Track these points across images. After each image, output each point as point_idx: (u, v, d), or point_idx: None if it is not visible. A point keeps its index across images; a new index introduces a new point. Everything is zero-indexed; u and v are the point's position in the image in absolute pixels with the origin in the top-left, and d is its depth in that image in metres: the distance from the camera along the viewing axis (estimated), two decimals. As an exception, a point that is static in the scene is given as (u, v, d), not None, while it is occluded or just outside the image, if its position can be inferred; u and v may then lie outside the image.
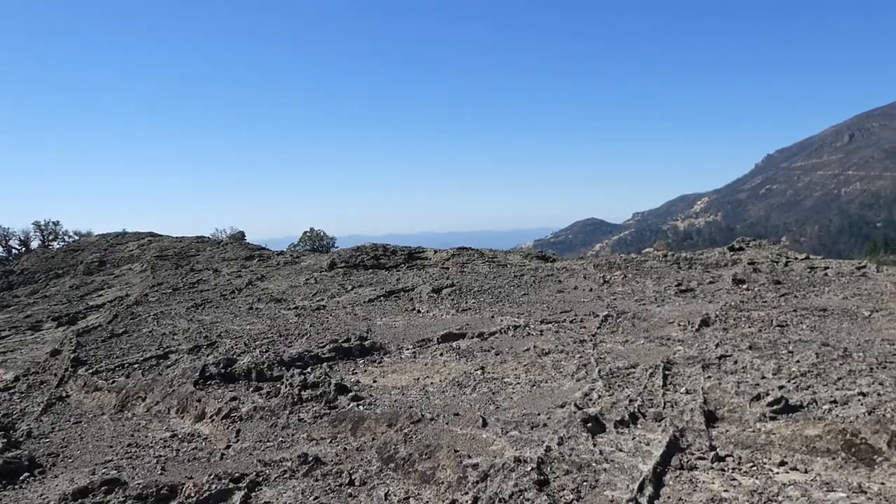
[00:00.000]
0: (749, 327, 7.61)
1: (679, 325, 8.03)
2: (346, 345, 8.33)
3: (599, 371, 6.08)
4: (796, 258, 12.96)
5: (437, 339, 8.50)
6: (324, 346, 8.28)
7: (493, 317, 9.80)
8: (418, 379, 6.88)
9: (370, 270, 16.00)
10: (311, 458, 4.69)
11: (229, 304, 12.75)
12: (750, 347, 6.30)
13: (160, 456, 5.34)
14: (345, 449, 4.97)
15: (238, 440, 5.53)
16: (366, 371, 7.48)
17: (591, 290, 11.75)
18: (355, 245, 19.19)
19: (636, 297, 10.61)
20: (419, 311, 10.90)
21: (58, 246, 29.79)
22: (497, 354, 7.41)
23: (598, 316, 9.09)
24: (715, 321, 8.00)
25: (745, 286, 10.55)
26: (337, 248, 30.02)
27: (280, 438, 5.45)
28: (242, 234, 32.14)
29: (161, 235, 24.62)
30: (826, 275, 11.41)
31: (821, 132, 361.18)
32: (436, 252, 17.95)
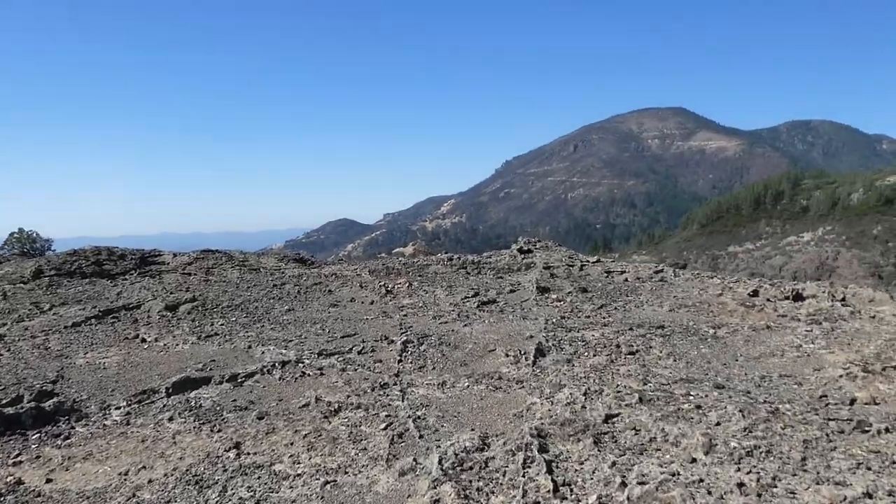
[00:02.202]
0: (594, 356, 5.87)
1: (506, 354, 6.08)
2: (9, 409, 5.24)
3: (437, 457, 3.78)
4: (588, 261, 11.83)
5: (167, 388, 5.72)
6: (-29, 414, 5.14)
7: (250, 346, 7.16)
8: (128, 473, 4.12)
9: (88, 280, 12.33)
10: None
11: None
12: (640, 400, 4.41)
13: None
14: None
15: None
16: (38, 458, 4.52)
17: (372, 302, 9.52)
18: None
19: (431, 311, 8.57)
20: (144, 341, 7.89)
21: None
22: (261, 418, 4.84)
23: (393, 342, 6.89)
24: (549, 348, 6.15)
25: (553, 296, 8.97)
26: (55, 251, 25.00)
27: None
28: None
29: None
30: (626, 280, 10.30)
31: (551, 142, 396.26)
32: (175, 255, 14.57)
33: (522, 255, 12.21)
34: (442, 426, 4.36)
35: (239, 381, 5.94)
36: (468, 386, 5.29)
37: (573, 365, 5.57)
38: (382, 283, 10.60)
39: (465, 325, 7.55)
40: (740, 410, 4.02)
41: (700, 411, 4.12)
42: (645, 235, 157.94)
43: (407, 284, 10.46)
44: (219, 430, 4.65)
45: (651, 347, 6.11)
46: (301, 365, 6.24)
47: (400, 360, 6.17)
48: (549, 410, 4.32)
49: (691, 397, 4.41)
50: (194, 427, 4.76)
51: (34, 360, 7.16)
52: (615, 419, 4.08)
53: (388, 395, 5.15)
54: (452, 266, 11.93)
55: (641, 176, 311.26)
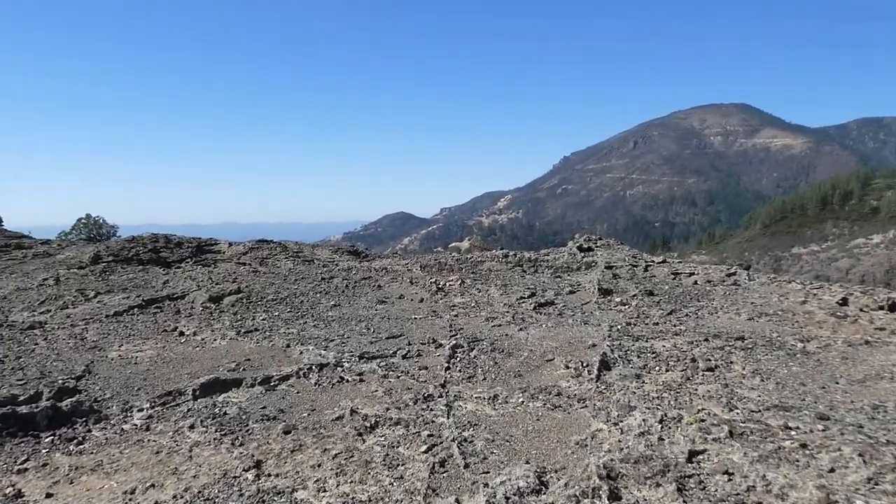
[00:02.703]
0: (667, 371, 5.17)
1: (566, 365, 5.44)
2: (24, 408, 4.84)
3: (485, 499, 3.17)
4: (653, 261, 11.04)
5: (195, 390, 5.27)
6: (-17, 412, 4.76)
7: (288, 345, 6.68)
8: (134, 492, 3.63)
9: (142, 267, 12.11)
10: None
11: None
12: (730, 434, 3.69)
13: None
14: None
15: None
16: (45, 466, 4.09)
17: (422, 300, 8.97)
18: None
19: (484, 312, 7.96)
20: (182, 334, 7.50)
21: None
22: (288, 432, 4.30)
23: (441, 346, 6.31)
24: (615, 359, 5.48)
25: (617, 300, 8.26)
26: (119, 237, 25.31)
27: None
28: None
29: None
30: (696, 283, 9.49)
31: (609, 138, 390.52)
32: (231, 245, 14.30)
33: (582, 254, 11.48)
34: (491, 453, 3.76)
35: (272, 384, 5.45)
36: (523, 402, 4.67)
37: (643, 381, 4.89)
38: (433, 280, 10.04)
39: (521, 330, 6.91)
40: (859, 454, 3.28)
41: (807, 452, 3.40)
42: (705, 235, 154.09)
43: (459, 282, 9.88)
44: (241, 444, 4.13)
45: (731, 363, 5.37)
46: (340, 369, 5.71)
47: (447, 368, 5.58)
48: (619, 441, 3.66)
49: (792, 431, 3.67)
50: (215, 439, 4.26)
51: (66, 352, 6.83)
52: (701, 457, 3.39)
53: (431, 410, 4.57)
54: (508, 263, 11.29)
55: (703, 174, 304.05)
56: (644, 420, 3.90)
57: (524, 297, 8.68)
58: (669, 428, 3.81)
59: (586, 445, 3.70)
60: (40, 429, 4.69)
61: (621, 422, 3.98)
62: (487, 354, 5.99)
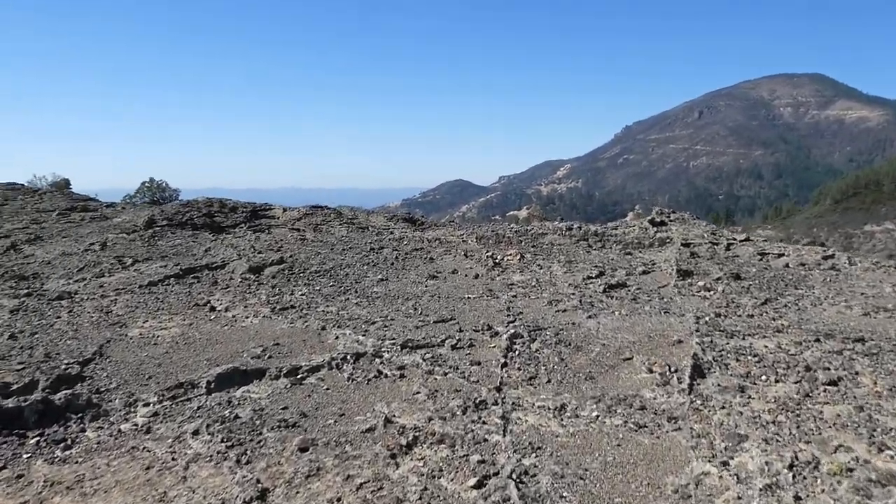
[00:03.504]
0: (777, 382, 4.18)
1: (649, 368, 4.48)
2: (11, 401, 4.16)
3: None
4: (734, 239, 9.89)
5: (210, 382, 4.52)
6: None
7: (324, 327, 5.88)
8: (110, 523, 2.90)
9: (193, 232, 11.56)
10: None
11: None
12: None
13: None
14: None
15: None
16: (19, 478, 3.38)
17: (476, 276, 8.09)
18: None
19: (546, 293, 7.04)
20: (213, 309, 6.81)
21: None
22: (305, 449, 3.48)
23: (497, 334, 5.43)
24: (710, 363, 4.50)
25: (699, 283, 7.22)
26: (181, 201, 25.26)
27: None
28: (67, 183, 26.72)
29: None
30: (787, 265, 8.35)
31: (674, 108, 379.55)
32: (285, 210, 13.68)
33: (655, 228, 10.40)
34: (560, 497, 2.88)
35: (299, 376, 4.66)
36: (598, 417, 3.76)
37: (749, 396, 3.91)
38: (490, 254, 9.14)
39: (590, 317, 5.97)
40: None
41: None
42: (771, 209, 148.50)
43: (518, 256, 8.95)
44: (247, 463, 3.35)
45: (857, 374, 4.33)
46: (379, 360, 4.88)
47: (504, 364, 4.70)
48: (740, 500, 2.71)
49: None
50: (219, 452, 3.48)
51: (85, 328, 6.19)
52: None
53: (484, 423, 3.70)
54: (572, 237, 10.31)
55: (771, 146, 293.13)
56: (766, 463, 2.95)
57: (591, 277, 7.72)
58: (804, 479, 2.85)
59: (689, 497, 2.78)
60: (28, 426, 4.01)
61: (732, 459, 3.05)
62: (552, 348, 5.08)
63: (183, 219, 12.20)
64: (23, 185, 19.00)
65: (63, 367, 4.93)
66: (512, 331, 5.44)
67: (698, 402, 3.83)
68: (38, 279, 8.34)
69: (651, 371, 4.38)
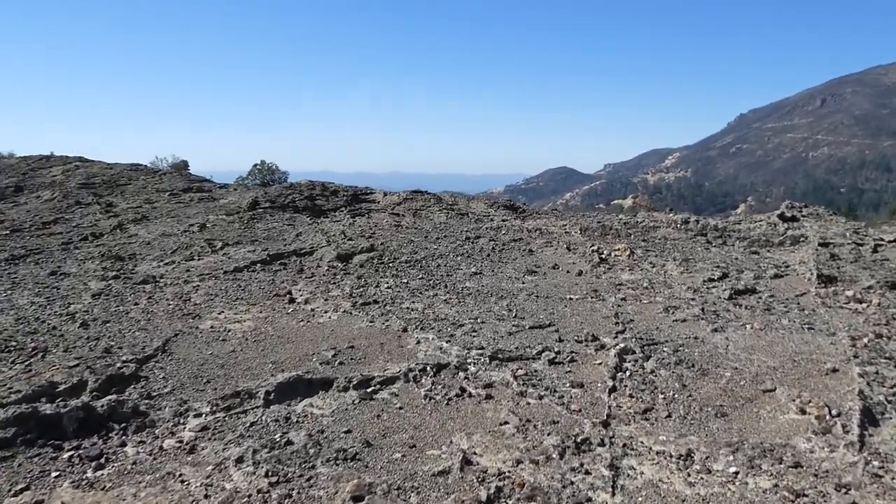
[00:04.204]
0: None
1: (800, 407, 3.55)
2: (50, 406, 3.71)
3: None
4: (882, 239, 8.57)
5: (269, 391, 3.95)
6: (13, 403, 3.69)
7: (405, 329, 5.24)
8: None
9: (291, 215, 11.30)
10: None
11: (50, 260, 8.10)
12: None
13: None
14: None
15: None
16: (34, 505, 2.91)
17: (580, 273, 7.25)
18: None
19: (661, 297, 6.12)
20: (293, 301, 6.30)
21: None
22: (359, 498, 2.80)
23: (603, 347, 4.61)
24: (882, 405, 3.53)
25: (847, 293, 6.11)
26: (286, 183, 25.77)
27: None
28: (185, 164, 27.80)
29: (91, 161, 19.51)
30: (952, 272, 7.05)
31: (794, 94, 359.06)
32: (385, 195, 13.27)
33: (785, 224, 9.18)
34: None
35: (369, 390, 4.02)
36: (736, 474, 2.90)
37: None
38: (596, 248, 8.26)
39: (716, 330, 5.04)
40: None
41: None
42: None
43: (628, 252, 8.03)
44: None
45: None
46: (462, 375, 4.17)
47: (613, 389, 3.88)
48: None
49: None
50: (259, 490, 2.86)
51: (158, 317, 5.82)
52: None
53: (587, 473, 2.92)
54: (688, 231, 9.26)
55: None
56: None
57: (714, 279, 6.73)
58: None
59: None
60: (66, 436, 3.54)
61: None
62: (670, 369, 4.22)
63: (285, 201, 11.99)
64: (145, 165, 19.56)
65: (119, 364, 4.49)
66: (622, 344, 4.61)
67: (875, 463, 2.91)
68: (133, 260, 8.14)
69: (804, 412, 3.45)
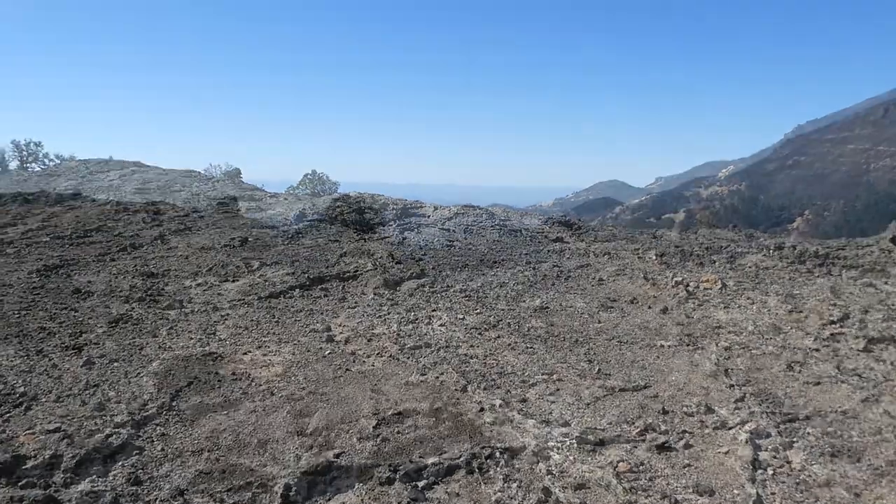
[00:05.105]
0: None
1: None
2: (12, 490, 2.81)
3: None
4: None
5: (290, 485, 2.98)
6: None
7: (466, 387, 4.22)
8: None
9: (339, 230, 10.45)
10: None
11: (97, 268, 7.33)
12: None
13: None
14: None
15: None
16: None
17: (665, 310, 6.14)
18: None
19: (774, 346, 4.98)
20: (331, 340, 5.36)
21: (36, 169, 26.84)
22: None
23: (724, 425, 3.53)
24: None
25: None
26: (335, 195, 25.62)
27: None
28: (238, 172, 27.80)
29: (148, 166, 19.28)
30: None
31: (854, 105, 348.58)
32: (436, 209, 12.37)
33: (900, 251, 7.89)
34: None
35: (420, 485, 3.02)
36: None
37: None
38: (680, 279, 7.13)
39: (867, 400, 3.89)
40: None
41: None
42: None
43: (719, 284, 6.89)
44: None
45: None
46: (544, 468, 3.14)
47: (757, 499, 2.81)
48: None
49: None
50: None
51: (174, 357, 4.92)
52: None
53: None
54: (782, 258, 8.04)
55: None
56: None
57: (833, 322, 5.56)
58: None
59: None
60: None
61: None
62: (827, 465, 3.12)
63: (333, 214, 11.19)
64: (199, 172, 19.15)
65: (108, 431, 3.57)
66: (750, 422, 3.51)
67: None
68: (165, 277, 7.32)
69: None
